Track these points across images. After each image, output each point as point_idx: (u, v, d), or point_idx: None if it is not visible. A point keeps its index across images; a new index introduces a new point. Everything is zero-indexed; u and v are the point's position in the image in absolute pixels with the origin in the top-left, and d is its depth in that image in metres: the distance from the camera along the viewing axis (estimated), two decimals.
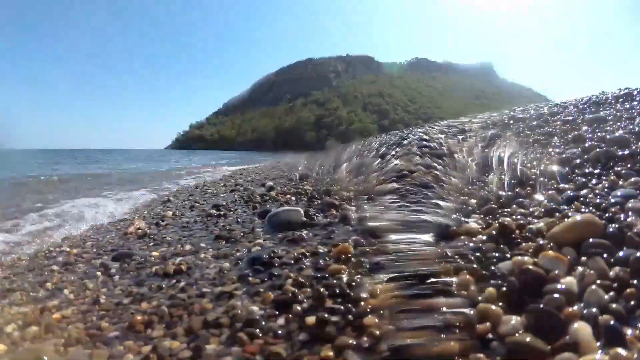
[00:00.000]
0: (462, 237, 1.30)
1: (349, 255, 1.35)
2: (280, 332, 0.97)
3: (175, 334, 1.03)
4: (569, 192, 1.50)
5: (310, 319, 0.97)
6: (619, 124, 2.79)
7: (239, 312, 1.07)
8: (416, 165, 2.59)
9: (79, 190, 6.36)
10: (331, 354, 0.85)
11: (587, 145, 2.24)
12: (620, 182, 1.48)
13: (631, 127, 2.54)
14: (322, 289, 1.08)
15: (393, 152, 3.26)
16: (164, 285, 1.37)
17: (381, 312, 0.95)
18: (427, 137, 3.54)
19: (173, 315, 1.13)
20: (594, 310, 0.76)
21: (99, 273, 1.61)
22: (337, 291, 1.07)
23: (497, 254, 1.08)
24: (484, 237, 1.22)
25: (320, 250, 1.48)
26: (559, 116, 3.78)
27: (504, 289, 0.90)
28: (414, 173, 2.39)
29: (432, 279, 1.02)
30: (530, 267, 0.92)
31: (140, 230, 2.35)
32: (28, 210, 3.98)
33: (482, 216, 1.49)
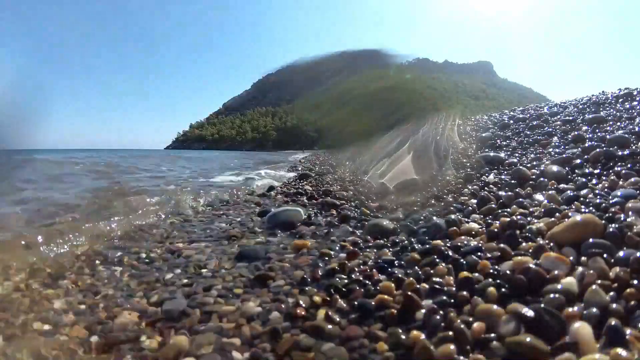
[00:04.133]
0: (462, 237, 1.30)
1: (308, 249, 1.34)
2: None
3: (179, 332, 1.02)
4: (569, 192, 1.50)
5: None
6: (619, 124, 2.79)
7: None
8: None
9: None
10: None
11: (587, 145, 2.24)
12: (620, 182, 1.48)
13: (631, 127, 2.54)
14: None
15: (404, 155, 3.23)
16: (165, 283, 1.37)
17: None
18: (436, 137, 3.52)
19: (175, 313, 1.13)
20: (594, 310, 0.76)
21: (99, 269, 1.60)
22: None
23: (497, 254, 1.08)
24: (484, 237, 1.22)
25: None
26: (559, 116, 3.79)
27: (504, 289, 0.90)
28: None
29: (433, 279, 1.02)
30: (531, 266, 0.92)
31: None
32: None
33: (482, 216, 1.49)
